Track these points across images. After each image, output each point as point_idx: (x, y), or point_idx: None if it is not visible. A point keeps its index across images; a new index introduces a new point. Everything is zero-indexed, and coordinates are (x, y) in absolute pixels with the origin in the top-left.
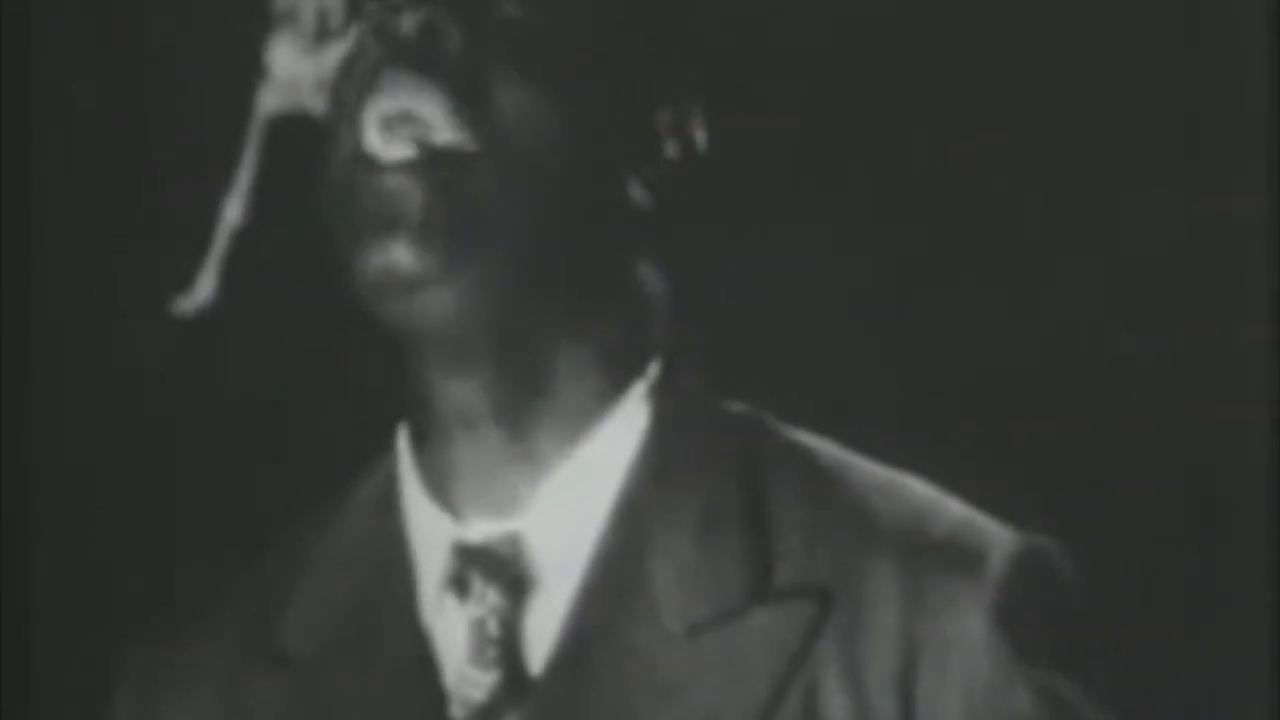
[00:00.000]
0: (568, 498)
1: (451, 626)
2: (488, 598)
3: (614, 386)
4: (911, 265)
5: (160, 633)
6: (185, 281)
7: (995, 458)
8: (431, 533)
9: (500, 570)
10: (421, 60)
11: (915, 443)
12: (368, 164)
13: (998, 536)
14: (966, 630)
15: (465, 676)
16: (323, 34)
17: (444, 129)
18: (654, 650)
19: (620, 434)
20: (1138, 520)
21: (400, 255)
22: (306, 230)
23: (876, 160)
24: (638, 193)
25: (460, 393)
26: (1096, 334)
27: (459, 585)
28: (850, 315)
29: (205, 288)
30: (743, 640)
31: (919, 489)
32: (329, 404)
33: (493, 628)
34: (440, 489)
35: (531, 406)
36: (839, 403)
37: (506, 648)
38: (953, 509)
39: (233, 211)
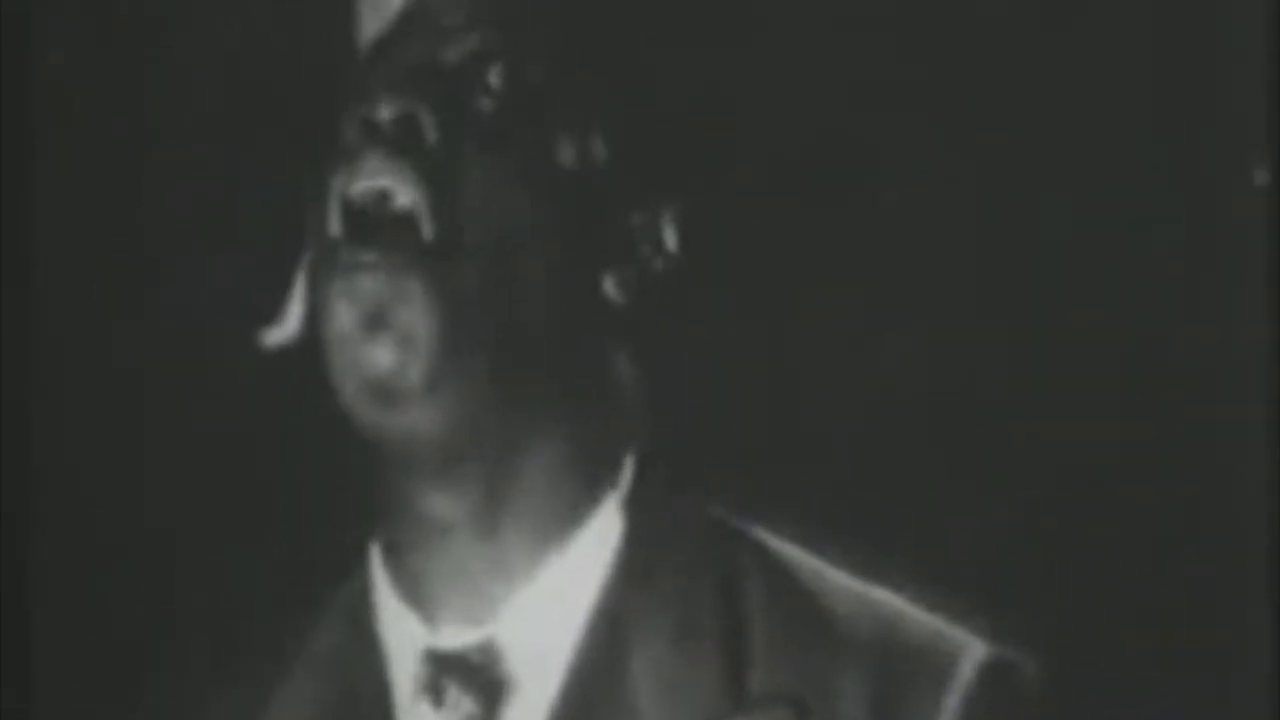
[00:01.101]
0: (543, 605)
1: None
2: (462, 705)
3: (588, 489)
4: (888, 356)
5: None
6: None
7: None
8: (404, 639)
9: (474, 677)
10: (399, 148)
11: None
12: (348, 259)
13: (967, 646)
14: None
15: None
16: None
17: (422, 220)
18: None
19: (595, 542)
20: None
21: (384, 360)
22: None
23: (855, 251)
24: (613, 291)
25: (436, 500)
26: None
27: (433, 692)
28: (826, 411)
29: (292, 321)
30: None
31: (891, 600)
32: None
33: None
34: (413, 595)
35: (507, 511)
36: (812, 499)
37: None
38: (923, 620)
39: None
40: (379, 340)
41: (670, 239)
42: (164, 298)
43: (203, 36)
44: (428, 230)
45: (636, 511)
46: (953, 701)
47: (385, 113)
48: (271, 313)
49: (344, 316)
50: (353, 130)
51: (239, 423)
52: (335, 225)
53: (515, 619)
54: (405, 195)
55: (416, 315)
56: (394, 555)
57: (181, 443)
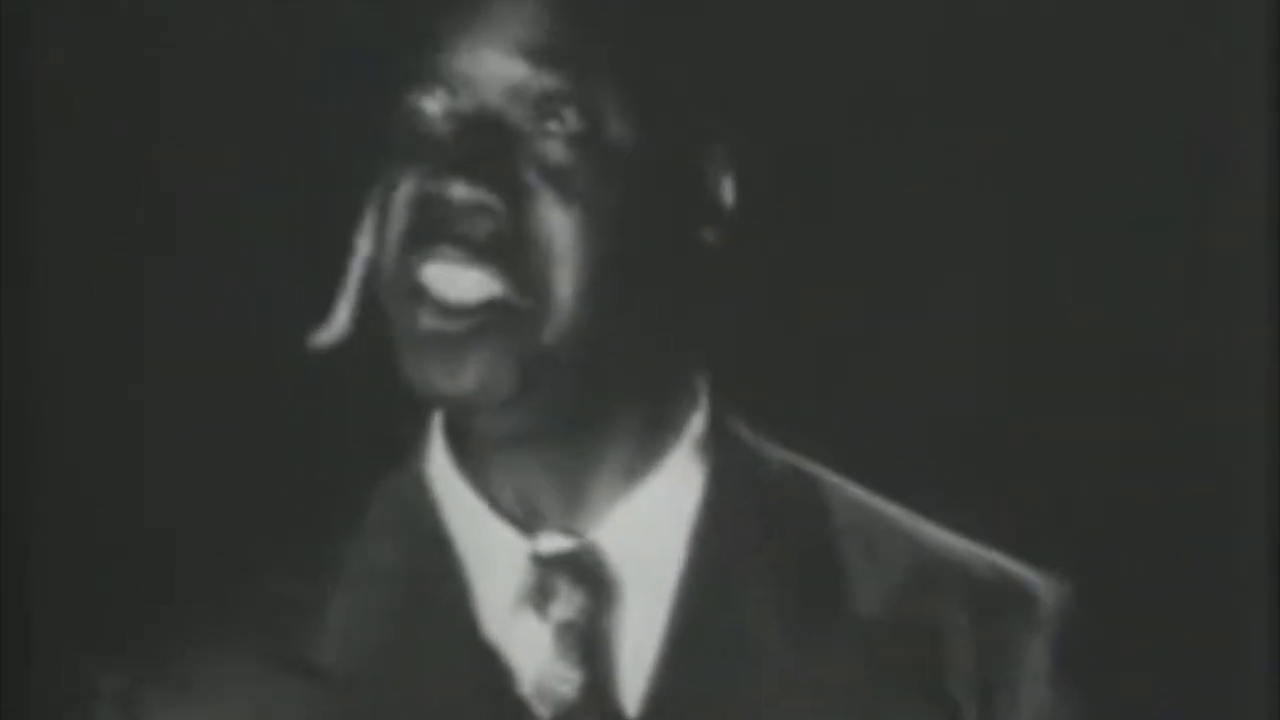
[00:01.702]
0: (642, 516)
1: (530, 634)
2: (574, 600)
3: (673, 413)
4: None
5: (162, 649)
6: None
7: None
8: (496, 548)
9: (585, 575)
10: (471, 234)
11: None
12: (428, 309)
13: (1034, 581)
14: (1033, 661)
15: (553, 674)
16: None
17: (503, 296)
18: (753, 654)
19: (686, 461)
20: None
21: (467, 385)
22: None
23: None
24: (683, 270)
25: (516, 459)
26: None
27: (540, 594)
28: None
29: (341, 319)
30: (834, 648)
31: (945, 534)
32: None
33: (582, 627)
34: (503, 506)
35: (597, 427)
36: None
37: (595, 647)
38: (981, 552)
39: (365, 243)
40: (464, 373)
41: (728, 195)
42: (164, 298)
43: (203, 35)
44: (510, 300)
45: (719, 440)
46: (1046, 631)
47: (457, 193)
48: (271, 313)
49: (424, 349)
50: (423, 198)
51: (240, 421)
52: (409, 280)
53: (615, 528)
54: (484, 284)
55: (498, 358)
56: (475, 469)
57: (181, 443)
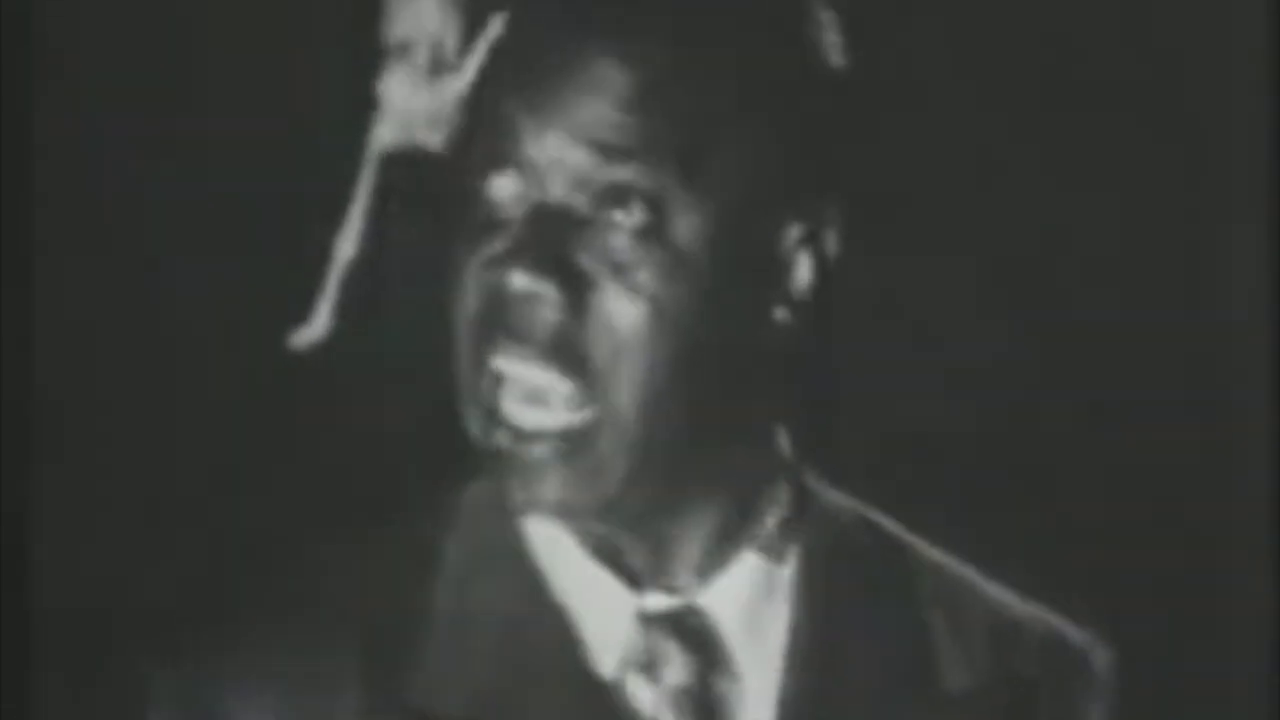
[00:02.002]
0: (737, 588)
1: (642, 697)
2: (686, 664)
3: (766, 475)
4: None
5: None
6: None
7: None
8: (599, 599)
9: (693, 637)
10: (530, 321)
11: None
12: (502, 430)
13: (1087, 642)
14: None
15: None
16: (437, 68)
17: (563, 387)
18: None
19: (774, 547)
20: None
21: (547, 501)
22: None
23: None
24: (781, 316)
25: (611, 531)
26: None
27: (650, 657)
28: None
29: (321, 321)
30: (937, 701)
31: (1007, 593)
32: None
33: (698, 693)
34: (609, 560)
35: (680, 540)
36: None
37: (714, 713)
38: (1037, 612)
39: (346, 246)
40: (542, 497)
41: (830, 247)
42: (164, 298)
43: (204, 36)
44: (575, 421)
45: (806, 508)
46: (1098, 691)
47: (516, 282)
48: (270, 312)
49: (508, 485)
50: (486, 284)
51: (240, 421)
52: (475, 380)
53: (718, 594)
54: (545, 375)
55: (570, 467)
56: (584, 528)
57: (183, 442)
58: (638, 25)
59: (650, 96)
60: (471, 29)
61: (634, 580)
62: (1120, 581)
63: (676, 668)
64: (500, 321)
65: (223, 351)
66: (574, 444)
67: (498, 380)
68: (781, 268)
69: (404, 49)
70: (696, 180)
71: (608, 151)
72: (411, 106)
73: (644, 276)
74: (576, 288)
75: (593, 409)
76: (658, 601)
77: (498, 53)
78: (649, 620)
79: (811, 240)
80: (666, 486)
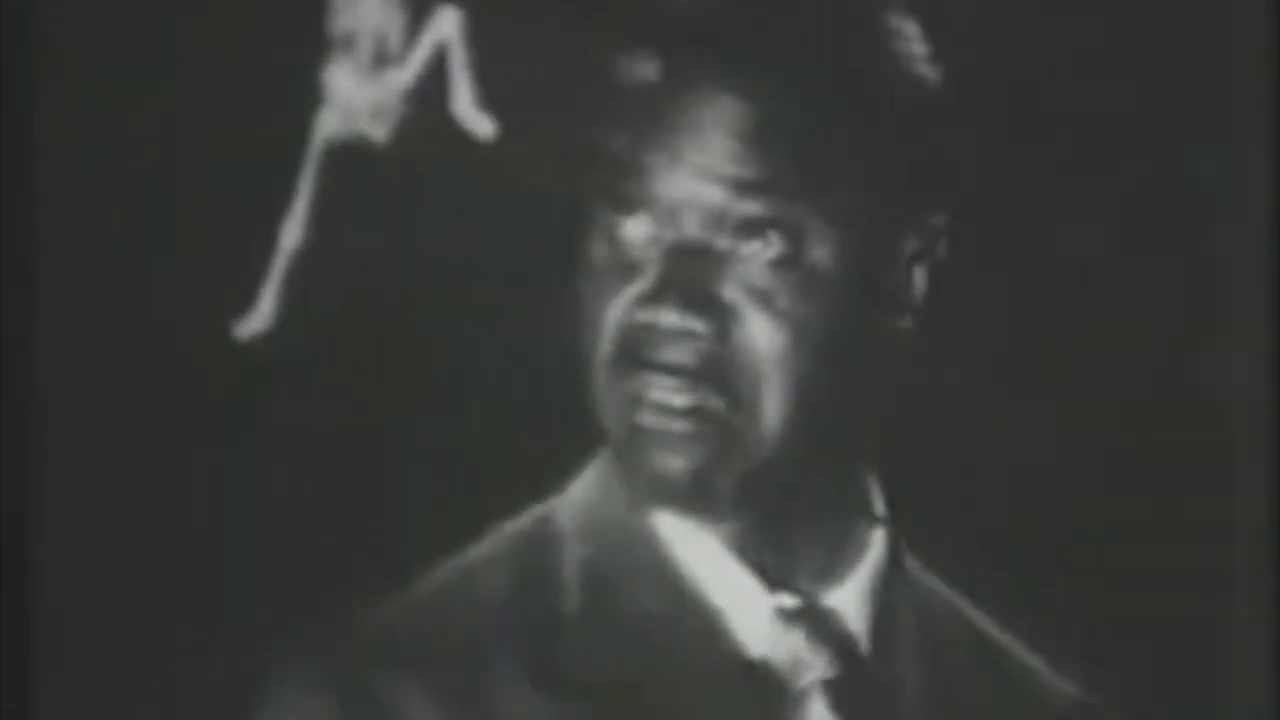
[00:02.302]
0: (860, 592)
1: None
2: (826, 659)
3: (852, 550)
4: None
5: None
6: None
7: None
8: (737, 593)
9: (830, 632)
10: (678, 355)
11: None
12: (647, 409)
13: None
14: None
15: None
16: (380, 60)
17: (709, 404)
18: None
19: (862, 595)
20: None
21: (680, 467)
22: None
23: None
24: (876, 362)
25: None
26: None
27: (791, 658)
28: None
29: (264, 311)
30: None
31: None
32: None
33: (839, 680)
34: (753, 563)
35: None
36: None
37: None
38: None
39: (290, 235)
40: (679, 459)
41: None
42: (164, 299)
43: (200, 37)
44: (721, 413)
45: (894, 553)
46: None
47: (666, 320)
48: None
49: (648, 452)
50: (631, 323)
51: (239, 421)
52: (629, 399)
53: (842, 596)
54: (691, 398)
55: (711, 472)
56: (714, 529)
57: (183, 443)
58: (752, 63)
59: (773, 130)
60: (415, 22)
61: (766, 578)
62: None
63: (820, 663)
64: (646, 356)
65: (222, 350)
66: (718, 428)
67: (641, 393)
68: (904, 279)
69: (348, 41)
70: (826, 206)
71: (740, 186)
72: (355, 98)
73: (784, 301)
74: (722, 319)
75: (738, 418)
76: (790, 601)
77: (618, 97)
78: (788, 615)
79: (927, 249)
80: (783, 502)
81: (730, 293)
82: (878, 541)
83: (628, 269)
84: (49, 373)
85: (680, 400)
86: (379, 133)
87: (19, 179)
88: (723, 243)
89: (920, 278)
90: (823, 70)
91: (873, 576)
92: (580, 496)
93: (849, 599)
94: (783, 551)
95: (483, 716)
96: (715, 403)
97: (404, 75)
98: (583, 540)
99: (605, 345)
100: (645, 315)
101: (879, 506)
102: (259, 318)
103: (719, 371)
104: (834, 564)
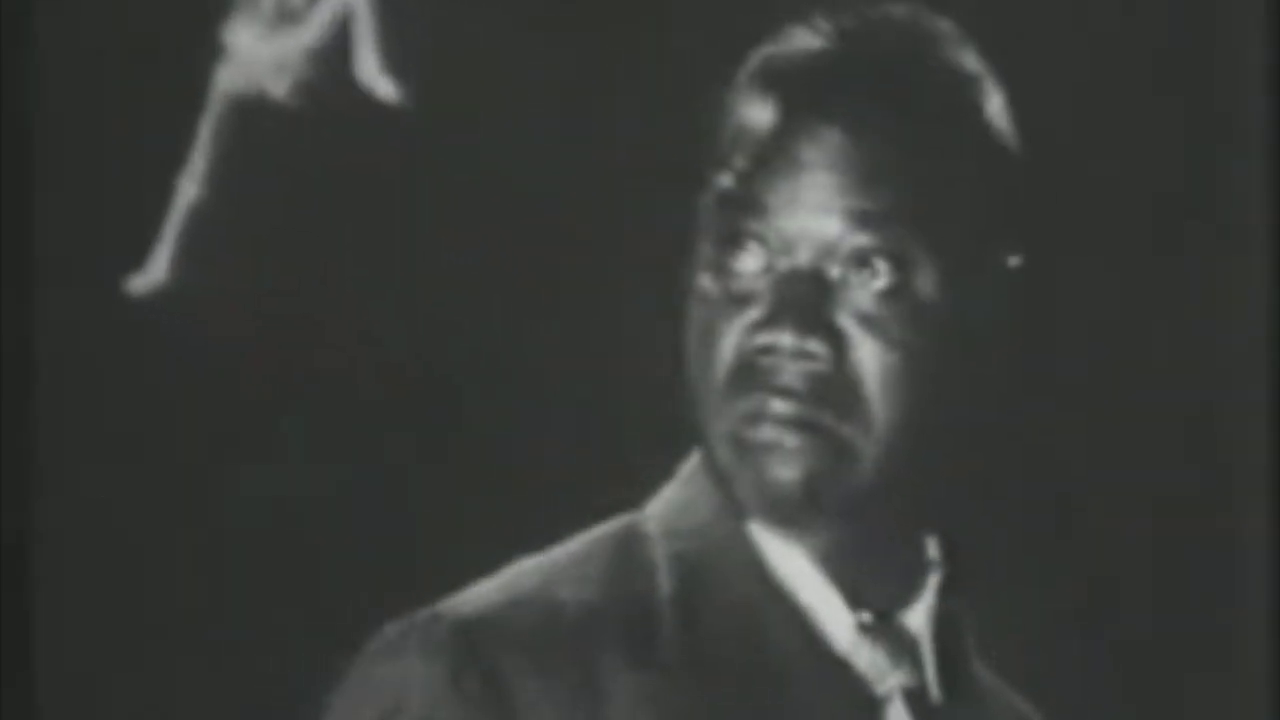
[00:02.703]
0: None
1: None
2: (906, 669)
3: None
4: None
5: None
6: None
7: None
8: (830, 614)
9: (907, 647)
10: (794, 378)
11: None
12: (766, 423)
13: None
14: None
15: None
16: (282, 17)
17: (824, 420)
18: None
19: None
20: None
21: (793, 475)
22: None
23: None
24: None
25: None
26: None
27: (875, 667)
28: None
29: (159, 266)
30: None
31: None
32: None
33: (918, 691)
34: (837, 579)
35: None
36: None
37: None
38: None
39: (188, 190)
40: (792, 467)
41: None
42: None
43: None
44: (832, 429)
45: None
46: None
47: (785, 341)
48: (268, 316)
49: (760, 458)
50: (747, 347)
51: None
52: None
53: (913, 616)
54: (807, 414)
55: (821, 485)
56: (818, 547)
57: (183, 444)
58: (860, 102)
59: (883, 165)
60: None
61: (848, 594)
62: None
63: (899, 673)
64: (762, 379)
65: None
66: (830, 442)
67: (758, 410)
68: (996, 304)
69: None
70: (930, 238)
71: (852, 218)
72: (256, 54)
73: (894, 329)
74: (837, 342)
75: (848, 431)
76: (869, 617)
77: (730, 136)
78: (868, 629)
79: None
80: (873, 523)
81: (843, 319)
82: (933, 583)
83: (741, 299)
84: (50, 375)
85: (796, 414)
86: (280, 89)
87: (19, 181)
88: (834, 272)
89: (1006, 303)
90: (924, 117)
91: (929, 611)
92: (669, 502)
93: (918, 622)
94: (863, 570)
95: (594, 696)
96: (828, 418)
97: (307, 33)
98: (672, 538)
99: (721, 370)
100: (764, 339)
101: (932, 549)
102: (154, 274)
103: (833, 392)
104: (903, 592)
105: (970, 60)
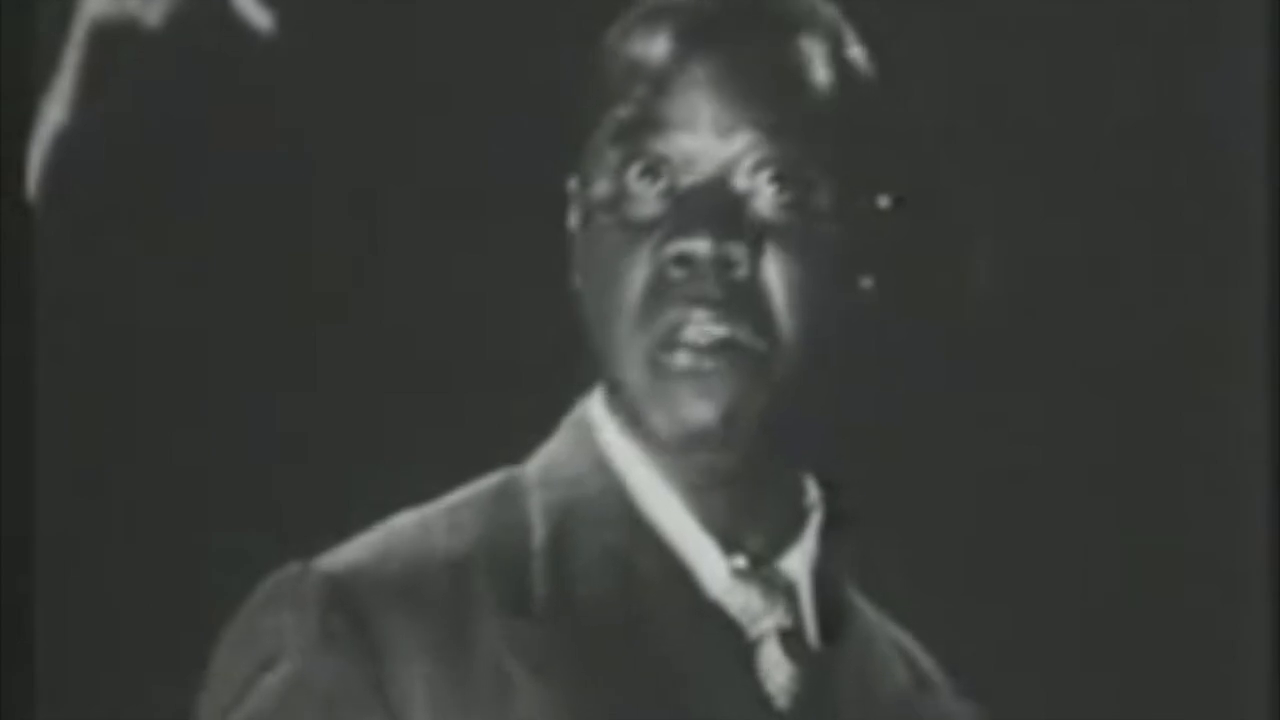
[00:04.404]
0: (799, 566)
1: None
2: (780, 613)
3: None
4: None
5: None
6: None
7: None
8: (697, 554)
9: (783, 591)
10: (711, 286)
11: None
12: (681, 351)
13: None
14: None
15: (781, 668)
16: None
17: (739, 332)
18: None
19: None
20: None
21: (712, 417)
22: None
23: None
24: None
25: (706, 496)
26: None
27: (746, 612)
28: None
29: (30, 185)
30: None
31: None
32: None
33: (792, 630)
34: (713, 528)
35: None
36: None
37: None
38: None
39: (55, 112)
40: (712, 407)
41: None
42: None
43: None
44: (746, 342)
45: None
46: None
47: (703, 247)
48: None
49: (680, 402)
50: (663, 259)
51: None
52: (664, 325)
53: (791, 561)
54: (726, 328)
55: (742, 398)
56: (694, 493)
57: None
58: (748, 26)
59: (773, 83)
60: None
61: (722, 538)
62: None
63: (774, 615)
64: (680, 291)
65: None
66: (749, 361)
67: (675, 327)
68: (872, 240)
69: None
70: (822, 155)
71: (752, 131)
72: None
73: (797, 242)
74: (753, 244)
75: (761, 343)
76: (744, 561)
77: (624, 72)
78: (742, 574)
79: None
80: (780, 442)
81: (751, 227)
82: (814, 522)
83: (645, 225)
84: (50, 370)
85: (717, 332)
86: (152, 17)
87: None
88: (740, 183)
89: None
90: (803, 36)
91: (808, 554)
92: (548, 453)
93: (796, 564)
94: (740, 515)
95: (462, 644)
96: (746, 333)
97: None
98: (547, 488)
99: (633, 293)
100: (678, 247)
101: (812, 491)
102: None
103: (750, 303)
104: (783, 535)
105: (830, 10)
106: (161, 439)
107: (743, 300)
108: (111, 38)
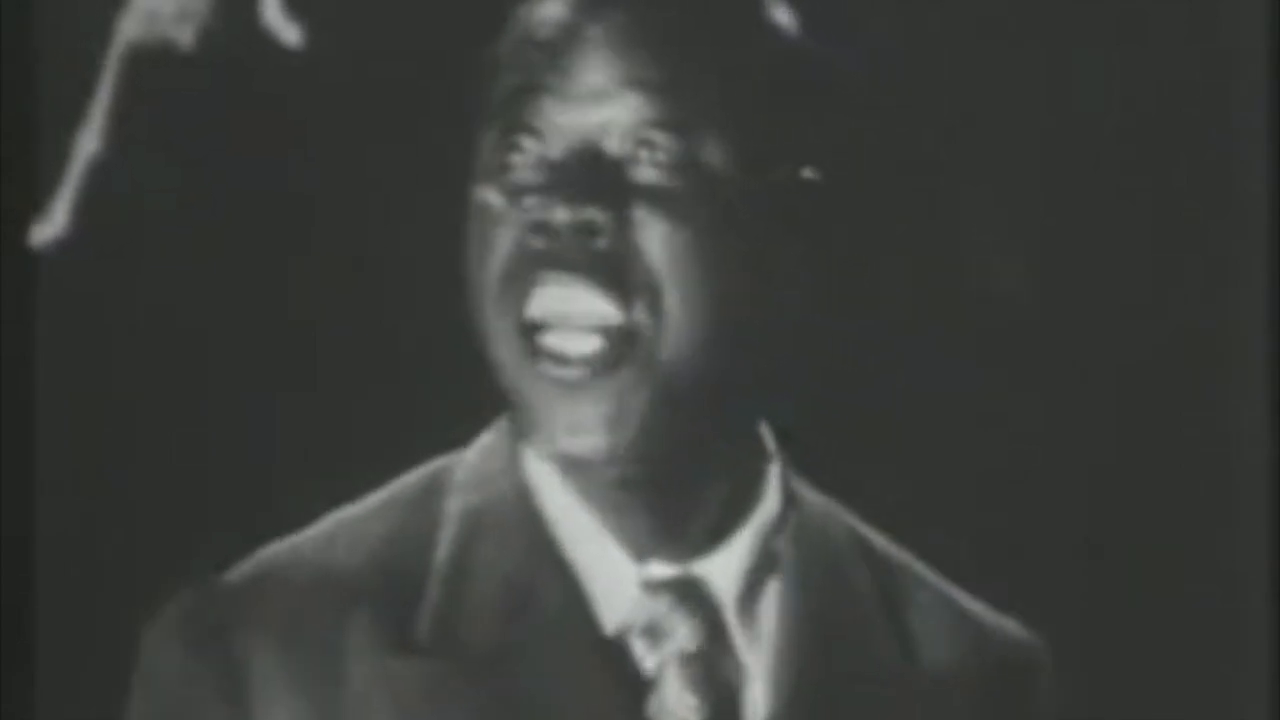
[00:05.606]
0: (737, 560)
1: (647, 651)
2: (689, 632)
3: (752, 489)
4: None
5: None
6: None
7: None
8: (606, 565)
9: (696, 605)
10: (576, 251)
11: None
12: (545, 359)
13: (1030, 647)
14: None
15: (682, 703)
16: None
17: (608, 309)
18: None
19: (770, 503)
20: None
21: (590, 442)
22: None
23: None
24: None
25: (620, 497)
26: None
27: (652, 625)
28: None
29: (59, 219)
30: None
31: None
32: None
33: (704, 659)
34: (618, 531)
35: (686, 510)
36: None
37: (719, 680)
38: (984, 611)
39: (89, 142)
40: (582, 413)
41: None
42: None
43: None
44: (623, 322)
45: (787, 490)
46: (1043, 696)
47: (560, 216)
48: (268, 313)
49: (553, 427)
50: (525, 228)
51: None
52: (519, 311)
53: (717, 567)
54: (595, 306)
55: (615, 397)
56: (591, 492)
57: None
58: None
59: (666, 40)
60: None
61: (637, 548)
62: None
63: (680, 634)
64: (541, 257)
65: (222, 343)
66: (618, 358)
67: (538, 323)
68: (790, 207)
69: None
70: (717, 111)
71: (630, 91)
72: (158, 1)
73: (683, 203)
74: (619, 209)
75: (639, 318)
76: (661, 570)
77: (523, 32)
78: (653, 587)
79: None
80: (680, 440)
81: (625, 191)
82: (773, 484)
83: (518, 193)
84: (51, 367)
85: (579, 296)
86: (185, 37)
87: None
88: (613, 147)
89: (807, 204)
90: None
91: (765, 525)
92: (480, 447)
93: (731, 558)
94: (666, 514)
95: (334, 680)
96: (614, 301)
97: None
98: (465, 491)
99: (497, 265)
100: (536, 216)
101: (770, 444)
102: (54, 226)
103: (621, 275)
104: (727, 519)
105: None
106: (161, 439)
107: (609, 270)
108: (147, 61)
